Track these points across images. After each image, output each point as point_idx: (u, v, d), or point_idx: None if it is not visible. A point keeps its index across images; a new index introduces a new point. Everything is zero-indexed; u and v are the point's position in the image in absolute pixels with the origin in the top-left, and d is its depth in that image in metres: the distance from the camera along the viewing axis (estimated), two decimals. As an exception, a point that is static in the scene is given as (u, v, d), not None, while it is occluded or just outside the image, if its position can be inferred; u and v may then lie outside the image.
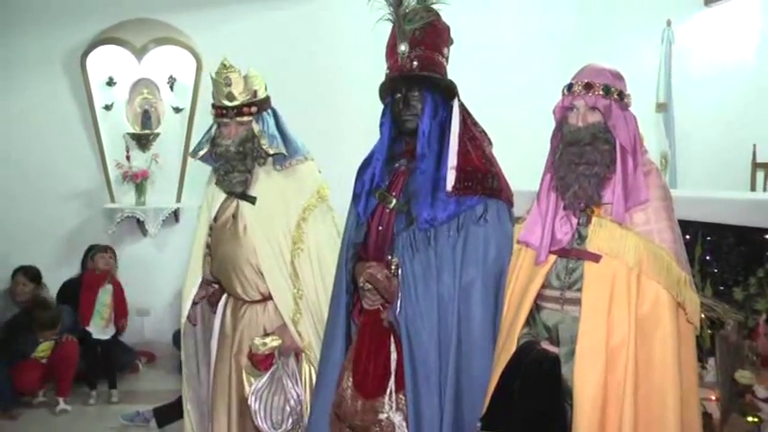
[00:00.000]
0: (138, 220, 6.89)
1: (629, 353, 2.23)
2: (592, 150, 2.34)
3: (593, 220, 2.35)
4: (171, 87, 6.89)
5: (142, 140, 6.84)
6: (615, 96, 2.37)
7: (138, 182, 6.76)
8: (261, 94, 3.27)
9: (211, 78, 3.28)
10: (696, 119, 7.47)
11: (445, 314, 2.56)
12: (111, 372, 5.98)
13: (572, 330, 2.34)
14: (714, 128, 7.41)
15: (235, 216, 3.31)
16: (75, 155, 6.86)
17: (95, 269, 6.19)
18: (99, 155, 6.84)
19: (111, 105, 6.81)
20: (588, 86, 2.36)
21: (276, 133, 3.26)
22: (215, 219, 3.39)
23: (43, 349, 5.65)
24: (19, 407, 5.55)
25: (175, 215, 6.96)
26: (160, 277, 6.84)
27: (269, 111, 3.31)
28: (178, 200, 6.95)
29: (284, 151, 3.24)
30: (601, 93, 2.36)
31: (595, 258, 2.32)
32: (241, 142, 3.21)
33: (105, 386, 5.89)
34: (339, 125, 6.58)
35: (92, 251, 6.31)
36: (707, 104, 7.49)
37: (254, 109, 3.23)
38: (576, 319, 2.33)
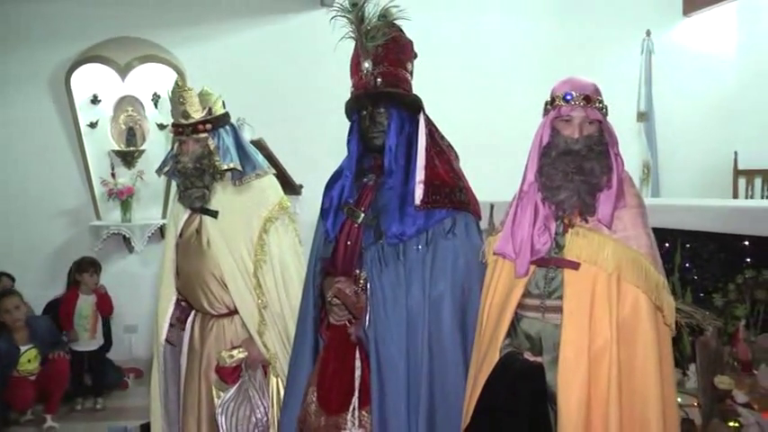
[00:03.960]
0: (124, 237, 6.88)
1: (611, 356, 2.26)
2: (589, 161, 2.36)
3: (570, 228, 2.39)
4: (155, 104, 6.89)
5: (127, 157, 6.85)
6: (604, 110, 2.43)
7: (124, 199, 6.76)
8: (216, 111, 3.31)
9: (168, 98, 3.34)
10: (677, 128, 7.54)
11: (414, 328, 2.56)
12: (99, 386, 6.04)
13: (554, 338, 2.36)
14: (695, 136, 7.50)
15: (198, 231, 3.34)
16: (61, 173, 6.87)
17: (80, 286, 6.19)
18: (84, 172, 6.85)
19: (96, 123, 6.82)
20: (588, 99, 2.39)
21: (232, 149, 3.29)
22: (180, 235, 3.42)
23: (29, 360, 5.61)
24: (8, 425, 5.53)
25: (161, 231, 6.91)
26: (147, 293, 6.78)
27: (226, 127, 3.35)
28: (164, 216, 6.91)
29: (239, 167, 3.28)
30: (597, 106, 2.41)
31: (575, 266, 2.34)
32: (197, 158, 3.25)
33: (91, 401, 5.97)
34: (322, 138, 6.60)
35: (77, 267, 6.29)
36: (688, 113, 7.58)
37: (208, 126, 3.27)
38: (557, 326, 2.36)
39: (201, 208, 3.30)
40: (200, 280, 3.32)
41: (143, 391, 6.24)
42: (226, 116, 3.37)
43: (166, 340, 3.48)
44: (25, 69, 6.79)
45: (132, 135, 6.86)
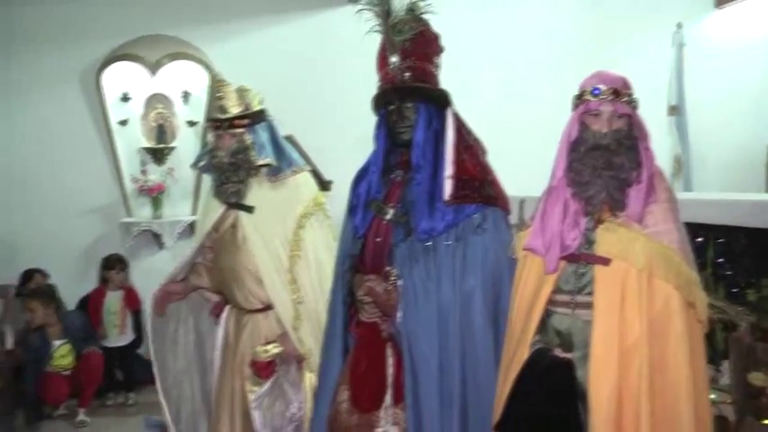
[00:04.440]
0: (154, 234, 6.92)
1: (642, 353, 2.25)
2: (618, 156, 2.36)
3: (600, 224, 2.37)
4: (185, 101, 6.88)
5: (157, 154, 6.89)
6: (634, 104, 2.42)
7: (154, 195, 6.81)
8: (254, 107, 3.33)
9: (210, 92, 3.37)
10: (709, 121, 7.42)
11: (446, 324, 2.56)
12: (130, 381, 6.12)
13: (584, 334, 2.36)
14: (728, 130, 7.38)
15: (234, 226, 3.37)
16: (92, 170, 6.92)
17: (107, 283, 6.28)
18: (115, 170, 6.89)
19: (127, 121, 6.86)
20: (616, 93, 2.38)
21: (268, 145, 3.32)
22: (216, 230, 3.45)
23: (63, 355, 5.68)
24: (41, 419, 5.60)
25: (191, 228, 6.94)
26: (177, 290, 6.86)
27: (263, 123, 3.37)
28: (194, 212, 6.95)
29: (274, 163, 3.30)
30: (626, 100, 2.40)
31: (605, 262, 2.34)
32: (233, 153, 3.28)
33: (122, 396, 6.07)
34: (349, 134, 6.60)
35: (105, 264, 6.38)
36: (720, 107, 7.46)
37: (246, 121, 3.30)
38: (587, 322, 2.35)
39: (237, 203, 3.32)
40: (236, 275, 3.35)
41: (174, 386, 6.31)
42: (263, 112, 3.39)
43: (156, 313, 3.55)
44: (56, 68, 6.84)
45: (162, 132, 6.89)
